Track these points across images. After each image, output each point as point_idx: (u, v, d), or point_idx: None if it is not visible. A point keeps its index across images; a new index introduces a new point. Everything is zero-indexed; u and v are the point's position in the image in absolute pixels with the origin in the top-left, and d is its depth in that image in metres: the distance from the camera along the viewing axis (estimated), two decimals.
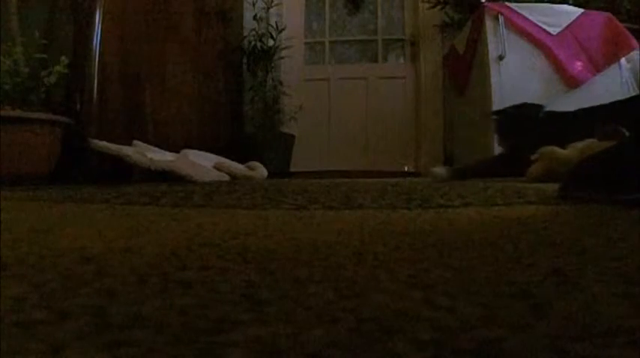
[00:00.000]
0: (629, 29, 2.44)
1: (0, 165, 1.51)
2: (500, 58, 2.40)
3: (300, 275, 0.28)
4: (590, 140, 1.42)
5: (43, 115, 1.64)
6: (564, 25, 2.42)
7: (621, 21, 2.48)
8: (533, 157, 1.54)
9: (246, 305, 0.23)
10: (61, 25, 1.93)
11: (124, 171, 1.78)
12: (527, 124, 1.67)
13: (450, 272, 0.29)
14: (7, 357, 0.17)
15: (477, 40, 2.56)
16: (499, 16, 2.42)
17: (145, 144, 2.03)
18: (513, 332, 0.18)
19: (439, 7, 3.13)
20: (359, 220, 0.57)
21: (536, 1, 2.59)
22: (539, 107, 1.71)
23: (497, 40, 2.41)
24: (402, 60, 3.67)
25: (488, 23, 2.44)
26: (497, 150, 2.29)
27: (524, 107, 1.74)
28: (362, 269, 0.30)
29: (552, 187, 0.88)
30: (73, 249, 0.37)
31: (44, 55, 1.77)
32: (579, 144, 1.44)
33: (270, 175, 2.55)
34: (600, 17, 2.46)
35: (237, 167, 2.32)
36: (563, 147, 1.53)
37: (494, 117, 1.82)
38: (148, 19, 2.31)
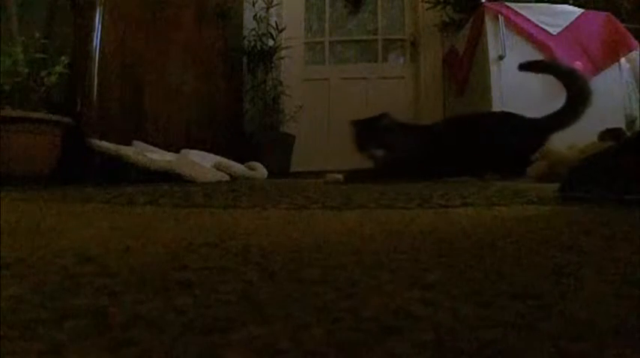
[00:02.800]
0: (629, 29, 2.44)
1: (0, 165, 1.51)
2: (500, 58, 2.40)
3: (300, 275, 0.28)
4: (592, 141, 1.43)
5: (43, 115, 1.64)
6: (564, 25, 2.42)
7: (621, 21, 2.48)
8: (533, 157, 1.55)
9: (246, 305, 0.23)
10: (61, 25, 1.93)
11: (124, 171, 1.77)
12: (381, 135, 1.72)
13: (450, 272, 0.29)
14: (7, 357, 0.17)
15: (477, 40, 2.56)
16: (499, 16, 2.41)
17: (145, 144, 2.03)
18: (513, 332, 0.18)
19: (439, 7, 3.13)
20: (359, 220, 0.57)
21: (536, 1, 2.59)
22: (387, 117, 1.78)
23: (497, 40, 2.41)
24: (402, 60, 3.67)
25: (489, 23, 2.44)
26: None
27: (378, 118, 1.79)
28: (362, 269, 0.30)
29: (552, 187, 0.88)
30: (73, 249, 0.37)
31: (44, 55, 1.77)
32: (580, 145, 1.44)
33: (270, 175, 2.55)
34: (600, 17, 2.46)
35: (237, 167, 2.32)
36: (429, 155, 1.65)
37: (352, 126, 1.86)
38: (148, 19, 2.31)
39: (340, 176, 1.72)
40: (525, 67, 1.84)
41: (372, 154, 1.70)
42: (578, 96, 1.66)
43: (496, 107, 2.28)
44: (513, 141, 1.64)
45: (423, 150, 1.69)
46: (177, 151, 2.14)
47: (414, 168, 1.66)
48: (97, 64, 1.90)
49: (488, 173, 1.72)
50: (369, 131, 1.75)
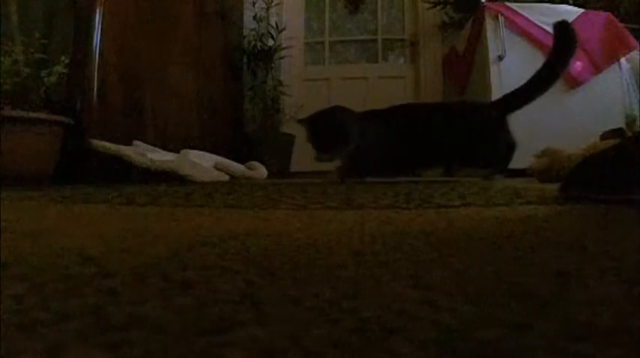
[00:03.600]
0: (629, 29, 2.45)
1: (0, 165, 1.51)
2: (500, 58, 2.40)
3: (300, 276, 0.28)
4: (593, 141, 1.44)
5: (43, 115, 1.64)
6: None
7: (621, 21, 2.48)
8: (535, 155, 1.56)
9: (246, 305, 0.23)
10: (61, 25, 1.93)
11: (124, 171, 1.77)
12: (337, 128, 1.61)
13: (450, 272, 0.29)
14: (7, 357, 0.17)
15: (477, 40, 2.56)
16: (499, 16, 2.42)
17: (145, 144, 2.03)
18: (513, 332, 0.18)
19: (439, 7, 3.14)
20: (359, 220, 0.57)
21: (536, 1, 2.59)
22: (342, 110, 1.67)
23: (497, 40, 2.41)
24: (402, 60, 3.67)
25: (489, 23, 2.44)
26: None
27: (331, 112, 1.68)
28: (362, 269, 0.30)
29: (552, 187, 0.88)
30: (73, 249, 0.37)
31: (44, 55, 1.77)
32: (582, 145, 1.45)
33: (270, 175, 2.55)
34: (600, 17, 2.46)
35: (237, 167, 2.32)
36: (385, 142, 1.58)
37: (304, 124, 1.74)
38: (148, 19, 2.31)
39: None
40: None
41: (334, 153, 1.61)
42: (560, 55, 1.63)
43: None
44: (468, 129, 1.60)
45: (384, 139, 1.62)
46: (177, 151, 2.14)
47: (381, 160, 1.60)
48: (97, 64, 1.90)
49: (452, 166, 1.70)
50: (326, 127, 1.64)
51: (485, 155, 1.62)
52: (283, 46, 3.29)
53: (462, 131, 1.59)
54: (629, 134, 1.61)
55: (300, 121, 1.76)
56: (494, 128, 1.62)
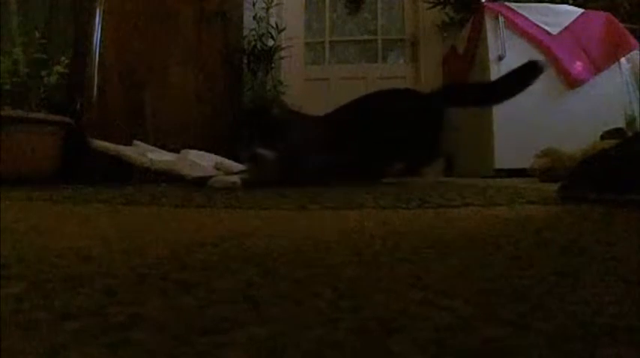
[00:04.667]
0: (629, 29, 2.44)
1: (0, 165, 1.51)
2: (500, 58, 2.40)
3: (300, 276, 0.28)
4: (593, 141, 1.44)
5: (43, 115, 1.64)
6: (564, 25, 2.42)
7: (621, 21, 2.48)
8: (536, 155, 1.56)
9: (246, 305, 0.23)
10: (61, 25, 1.93)
11: (124, 171, 1.77)
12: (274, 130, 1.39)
13: (450, 272, 0.29)
14: (7, 357, 0.17)
15: (477, 40, 2.56)
16: (499, 16, 2.41)
17: (145, 144, 2.03)
18: (513, 332, 0.18)
19: (439, 7, 3.13)
20: (359, 220, 0.57)
21: (536, 1, 2.59)
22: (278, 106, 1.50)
23: (497, 40, 2.41)
24: (402, 60, 3.67)
25: (489, 23, 2.44)
26: (498, 148, 2.30)
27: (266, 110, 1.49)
28: (362, 269, 0.30)
29: (552, 187, 0.88)
30: (73, 249, 0.37)
31: (44, 55, 1.77)
32: (583, 145, 1.45)
33: None
34: (600, 17, 2.46)
35: (237, 167, 2.32)
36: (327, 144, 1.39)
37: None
38: (148, 19, 2.31)
39: (236, 178, 1.41)
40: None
41: (263, 156, 1.37)
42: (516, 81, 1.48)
43: (495, 107, 2.28)
44: (410, 124, 1.41)
45: (322, 146, 1.42)
46: (177, 151, 2.14)
47: (317, 166, 1.39)
48: (97, 64, 1.90)
49: (394, 169, 1.52)
50: (259, 128, 1.44)
51: (419, 149, 1.48)
52: (283, 46, 3.29)
53: (392, 126, 1.42)
54: (629, 134, 1.61)
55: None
56: (429, 120, 1.46)
